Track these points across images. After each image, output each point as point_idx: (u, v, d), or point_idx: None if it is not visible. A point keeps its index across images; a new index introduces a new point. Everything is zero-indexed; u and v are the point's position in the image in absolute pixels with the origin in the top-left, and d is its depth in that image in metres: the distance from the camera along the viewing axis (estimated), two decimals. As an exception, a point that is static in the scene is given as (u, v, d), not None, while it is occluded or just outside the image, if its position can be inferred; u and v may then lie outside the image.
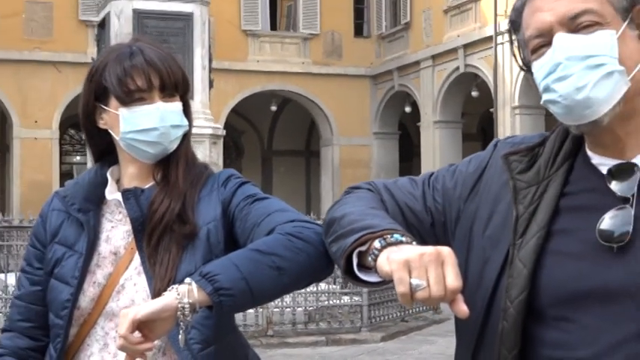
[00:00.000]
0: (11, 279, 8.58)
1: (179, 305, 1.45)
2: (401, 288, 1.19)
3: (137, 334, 1.44)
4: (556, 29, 1.31)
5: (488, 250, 1.38)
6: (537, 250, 1.32)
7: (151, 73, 1.80)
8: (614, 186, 1.30)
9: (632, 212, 1.27)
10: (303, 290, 9.99)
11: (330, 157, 26.65)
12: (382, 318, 10.49)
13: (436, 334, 10.26)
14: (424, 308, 11.35)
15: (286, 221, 1.67)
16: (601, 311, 1.26)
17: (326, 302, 10.36)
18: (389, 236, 1.29)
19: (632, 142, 1.33)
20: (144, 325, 1.44)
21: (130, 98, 1.80)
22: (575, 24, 1.31)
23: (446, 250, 1.21)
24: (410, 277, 1.19)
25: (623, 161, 1.31)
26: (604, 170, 1.32)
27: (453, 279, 1.18)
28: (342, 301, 10.54)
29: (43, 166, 22.62)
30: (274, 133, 29.34)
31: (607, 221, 1.27)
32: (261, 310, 9.39)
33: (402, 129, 26.83)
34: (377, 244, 1.29)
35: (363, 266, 1.33)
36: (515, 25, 1.42)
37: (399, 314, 10.85)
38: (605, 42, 1.29)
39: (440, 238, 1.44)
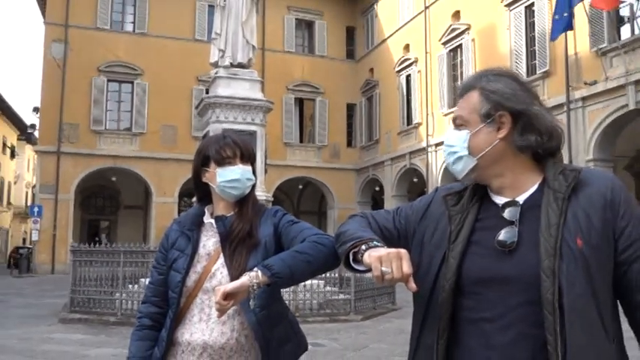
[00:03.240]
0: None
1: (250, 284, 1.46)
2: (375, 273, 1.19)
3: (225, 301, 1.44)
4: (453, 123, 1.37)
5: (433, 251, 1.36)
6: (462, 252, 1.30)
7: (236, 148, 1.81)
8: (506, 214, 1.28)
9: (517, 230, 1.25)
10: (317, 290, 9.93)
11: (333, 216, 26.53)
12: (362, 307, 10.30)
13: (394, 317, 10.08)
14: (387, 301, 11.18)
15: (312, 234, 1.66)
16: (499, 289, 1.23)
17: (330, 297, 10.22)
18: (371, 242, 1.29)
19: (512, 189, 1.31)
20: (229, 295, 1.44)
21: (223, 162, 1.80)
22: (455, 124, 1.35)
23: (403, 251, 1.20)
24: (381, 266, 1.18)
25: (510, 199, 1.30)
26: (500, 204, 1.31)
27: (407, 268, 1.17)
28: (339, 296, 10.40)
29: (168, 218, 22.54)
30: (301, 201, 29.37)
31: (502, 235, 1.25)
32: (292, 301, 9.24)
33: (373, 200, 26.76)
34: (363, 247, 1.28)
35: (355, 260, 1.31)
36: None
37: (372, 305, 10.65)
38: (460, 137, 1.32)
39: (403, 245, 1.41)
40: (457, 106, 1.36)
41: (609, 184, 1.25)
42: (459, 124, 1.33)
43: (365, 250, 1.26)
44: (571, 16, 13.17)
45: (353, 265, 1.32)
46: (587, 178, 1.26)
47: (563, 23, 13.28)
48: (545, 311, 1.15)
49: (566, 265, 1.16)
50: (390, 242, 1.39)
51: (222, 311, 1.46)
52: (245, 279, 1.46)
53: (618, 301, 1.25)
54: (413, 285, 1.19)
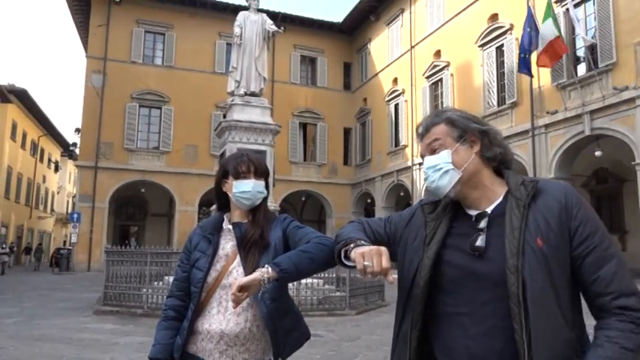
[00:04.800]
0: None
1: (262, 278, 1.44)
2: (359, 266, 1.20)
3: (240, 293, 1.42)
4: (425, 154, 1.35)
5: (413, 254, 1.35)
6: (436, 252, 1.29)
7: (250, 165, 1.81)
8: (481, 224, 1.28)
9: (485, 236, 1.25)
10: (317, 288, 9.81)
11: (331, 224, 26.36)
12: (356, 303, 10.18)
13: (383, 312, 9.97)
14: (377, 298, 11.05)
15: (315, 236, 1.65)
16: (473, 286, 1.23)
17: (328, 294, 10.08)
18: (358, 242, 1.30)
19: (482, 201, 1.31)
20: (243, 288, 1.42)
21: (239, 176, 1.79)
22: (430, 148, 1.33)
23: (383, 248, 1.21)
24: (364, 261, 1.18)
25: (480, 211, 1.30)
26: (473, 215, 1.31)
27: (385, 263, 1.18)
28: (336, 294, 10.25)
29: (189, 225, 22.50)
30: (303, 211, 29.20)
31: (478, 241, 1.25)
32: (295, 297, 9.06)
33: (365, 211, 26.58)
34: (352, 245, 1.30)
35: (347, 257, 1.32)
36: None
37: (364, 301, 10.53)
38: (442, 156, 1.31)
39: (391, 246, 1.41)
40: (425, 139, 1.34)
41: (563, 191, 1.25)
42: (435, 147, 1.31)
43: (353, 248, 1.27)
44: (529, 60, 13.57)
45: (344, 261, 1.32)
46: (544, 187, 1.27)
47: (526, 64, 13.76)
48: (511, 304, 1.14)
49: (528, 262, 1.16)
50: (380, 244, 1.38)
51: (237, 302, 1.44)
52: (257, 274, 1.44)
53: (581, 293, 1.23)
54: (390, 278, 1.19)
